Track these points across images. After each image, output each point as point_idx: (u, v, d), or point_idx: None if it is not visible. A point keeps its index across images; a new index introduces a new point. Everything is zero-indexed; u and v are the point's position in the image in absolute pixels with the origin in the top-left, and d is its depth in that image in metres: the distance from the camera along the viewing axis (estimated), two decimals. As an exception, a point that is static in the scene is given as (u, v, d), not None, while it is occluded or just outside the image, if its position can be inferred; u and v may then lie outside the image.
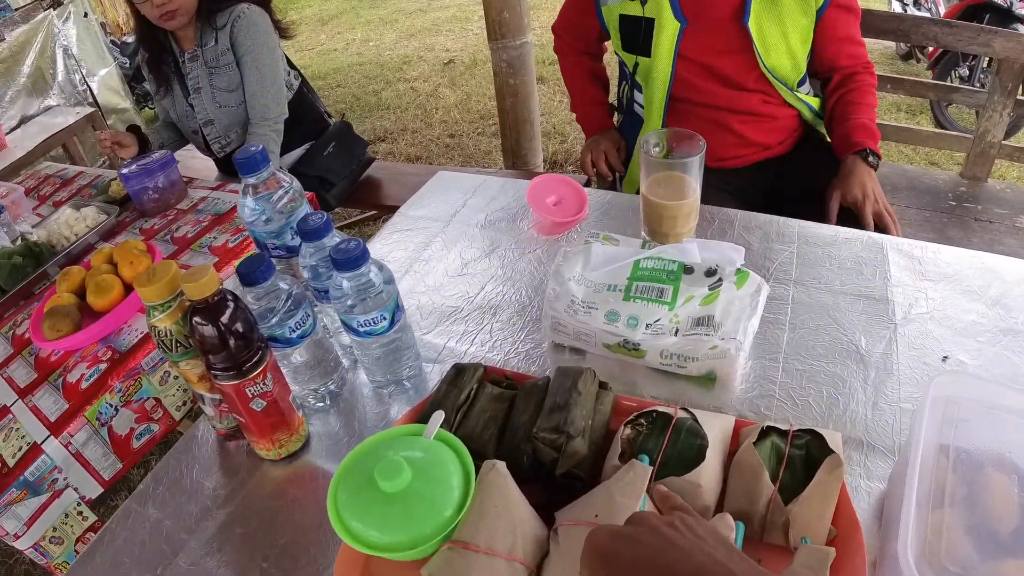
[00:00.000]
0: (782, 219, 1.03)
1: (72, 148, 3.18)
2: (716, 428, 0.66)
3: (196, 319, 0.67)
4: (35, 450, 1.04)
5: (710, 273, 0.80)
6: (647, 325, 0.78)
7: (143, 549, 0.71)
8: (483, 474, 0.61)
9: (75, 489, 1.08)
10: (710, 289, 0.79)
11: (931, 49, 3.40)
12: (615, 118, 1.57)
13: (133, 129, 1.83)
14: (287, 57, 1.94)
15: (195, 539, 0.71)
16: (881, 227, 1.15)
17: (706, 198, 0.98)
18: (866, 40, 1.33)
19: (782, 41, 1.21)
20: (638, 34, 1.26)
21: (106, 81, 4.07)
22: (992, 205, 1.61)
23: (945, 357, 0.78)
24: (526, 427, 0.66)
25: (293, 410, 0.78)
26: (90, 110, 3.33)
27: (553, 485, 0.64)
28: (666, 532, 0.43)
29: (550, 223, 1.10)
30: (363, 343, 0.78)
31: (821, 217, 1.17)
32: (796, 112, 1.33)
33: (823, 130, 1.39)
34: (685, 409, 0.68)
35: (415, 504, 0.58)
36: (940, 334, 0.81)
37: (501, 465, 0.62)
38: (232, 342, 0.68)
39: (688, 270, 0.81)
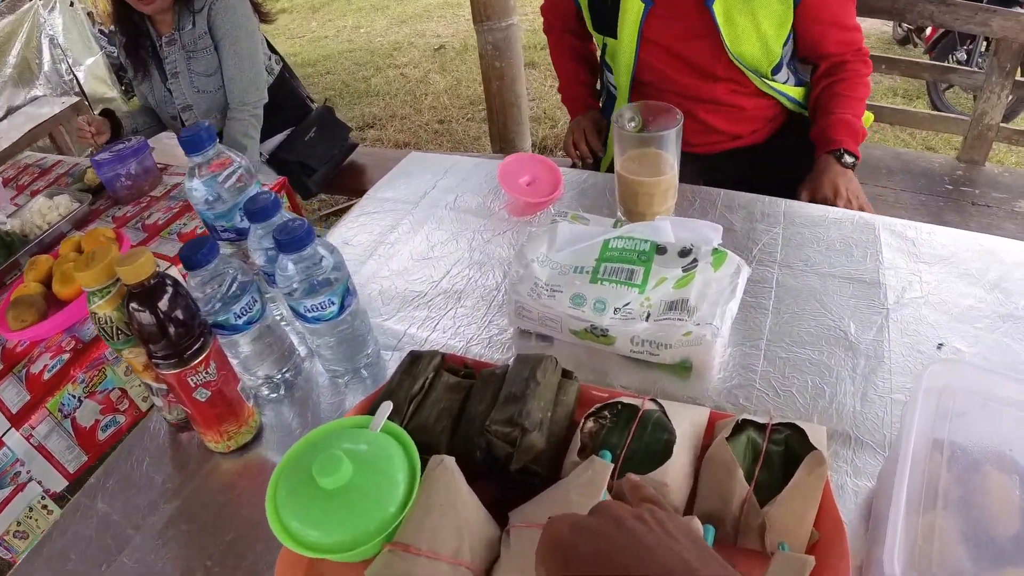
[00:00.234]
0: (768, 198, 0.99)
1: (59, 138, 3.15)
2: (687, 422, 0.61)
3: (132, 304, 0.65)
4: (-4, 443, 1.02)
5: (684, 253, 0.75)
6: (615, 309, 0.73)
7: (89, 545, 0.69)
8: (429, 470, 0.57)
9: (39, 482, 1.06)
10: (684, 271, 0.74)
11: (928, 33, 3.34)
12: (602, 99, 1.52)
13: (107, 113, 1.79)
14: (268, 41, 1.92)
15: (141, 535, 0.69)
16: None
17: (679, 179, 0.92)
18: (860, 23, 1.23)
19: (752, 27, 1.13)
20: (606, 13, 1.21)
21: (93, 70, 4.07)
22: (990, 189, 1.57)
23: (940, 344, 0.74)
24: (481, 419, 0.61)
25: (242, 400, 0.75)
26: (76, 99, 3.29)
27: (508, 480, 0.59)
28: (632, 526, 0.38)
29: (522, 204, 1.06)
30: (313, 329, 0.74)
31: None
32: (772, 101, 1.26)
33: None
34: (654, 400, 0.63)
35: (356, 501, 0.55)
36: (935, 320, 0.77)
37: (450, 460, 0.57)
38: (171, 328, 0.65)
39: (661, 250, 0.76)
